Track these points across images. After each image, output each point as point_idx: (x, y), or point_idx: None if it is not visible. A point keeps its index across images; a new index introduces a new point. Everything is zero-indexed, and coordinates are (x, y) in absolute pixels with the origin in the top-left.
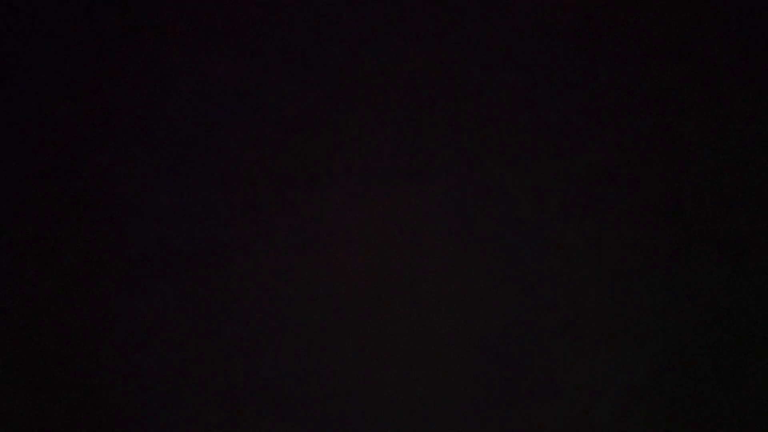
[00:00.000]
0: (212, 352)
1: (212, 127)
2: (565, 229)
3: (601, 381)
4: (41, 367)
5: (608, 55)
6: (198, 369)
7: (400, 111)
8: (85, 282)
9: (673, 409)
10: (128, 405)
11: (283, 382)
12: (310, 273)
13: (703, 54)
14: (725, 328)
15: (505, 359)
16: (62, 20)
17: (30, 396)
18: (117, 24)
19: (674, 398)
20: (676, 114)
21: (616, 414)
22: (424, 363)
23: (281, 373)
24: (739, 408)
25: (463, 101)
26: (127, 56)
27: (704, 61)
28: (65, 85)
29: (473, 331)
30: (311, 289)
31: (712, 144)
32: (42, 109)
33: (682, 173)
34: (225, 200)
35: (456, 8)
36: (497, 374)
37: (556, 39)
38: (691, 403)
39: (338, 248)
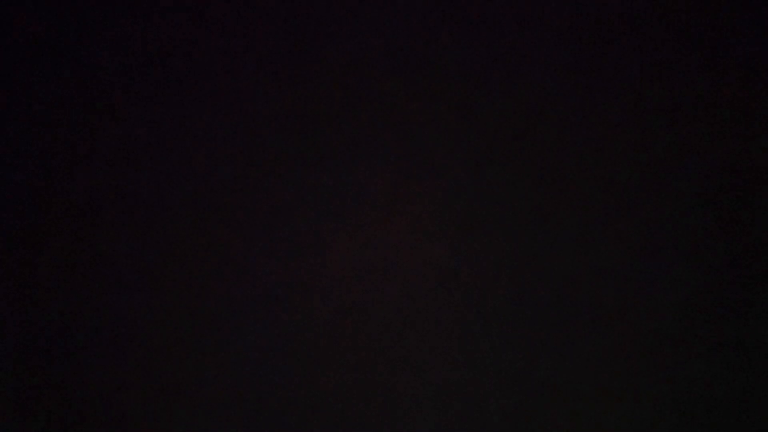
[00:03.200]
0: (209, 355)
1: (210, 130)
2: (565, 231)
3: (605, 385)
4: (40, 367)
5: (611, 55)
6: (196, 371)
7: (402, 112)
8: (83, 281)
9: (675, 409)
10: (124, 406)
11: (279, 386)
12: (309, 275)
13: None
14: (729, 328)
15: (503, 363)
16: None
17: (27, 396)
18: (125, 21)
19: (676, 398)
20: (677, 114)
21: (618, 415)
22: (424, 368)
23: (277, 377)
24: (740, 409)
25: (464, 104)
26: (127, 55)
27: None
28: (63, 83)
29: (473, 336)
30: (311, 291)
31: (714, 143)
32: (42, 108)
33: (685, 172)
34: (223, 202)
35: (458, 8)
36: (496, 377)
37: (560, 39)
38: (694, 403)
39: (337, 250)
